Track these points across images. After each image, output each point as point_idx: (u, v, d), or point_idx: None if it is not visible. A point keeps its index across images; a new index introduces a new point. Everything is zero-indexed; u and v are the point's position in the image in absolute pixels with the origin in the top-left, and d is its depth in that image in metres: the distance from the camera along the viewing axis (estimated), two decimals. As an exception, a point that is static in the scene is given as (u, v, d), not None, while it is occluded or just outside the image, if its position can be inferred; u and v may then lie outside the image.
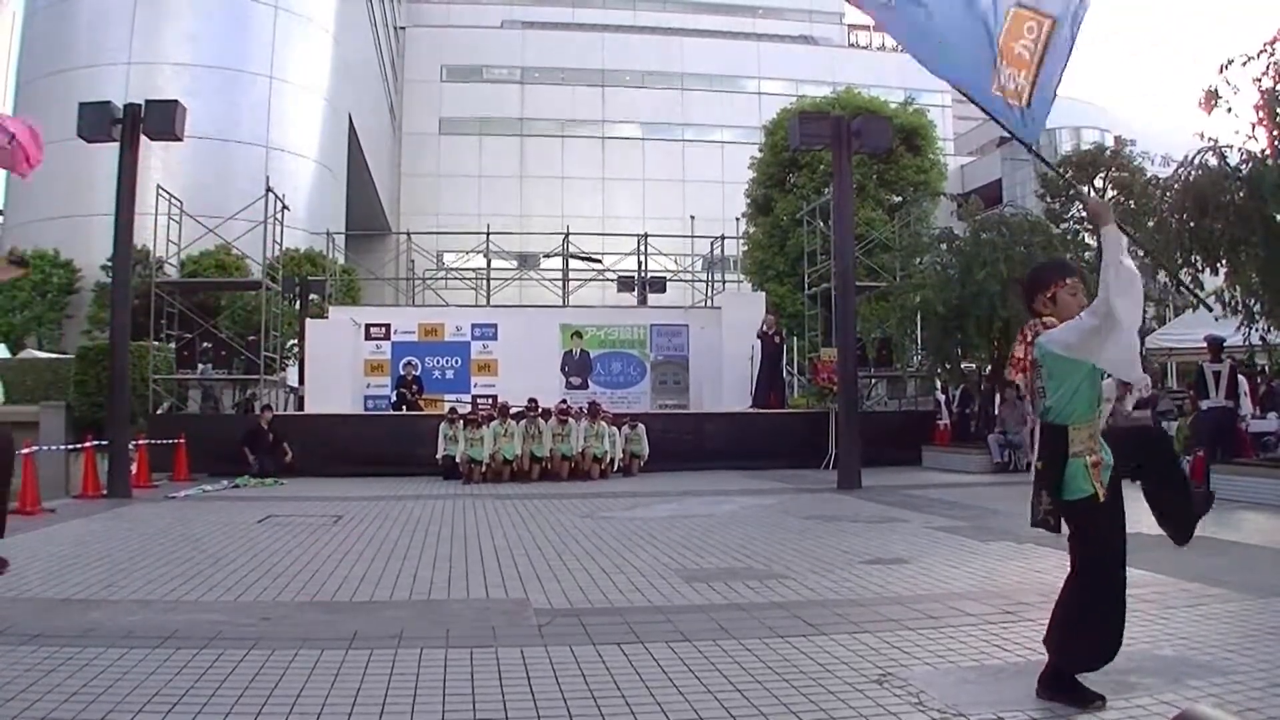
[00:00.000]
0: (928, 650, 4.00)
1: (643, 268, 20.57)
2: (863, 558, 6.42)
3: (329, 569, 6.05)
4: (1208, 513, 3.57)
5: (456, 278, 22.52)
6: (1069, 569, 3.43)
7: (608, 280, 23.02)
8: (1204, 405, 11.17)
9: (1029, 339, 3.61)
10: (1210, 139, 10.46)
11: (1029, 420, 12.31)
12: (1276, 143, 10.06)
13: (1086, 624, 3.35)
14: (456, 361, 17.51)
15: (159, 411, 15.12)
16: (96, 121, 11.47)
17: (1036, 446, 3.52)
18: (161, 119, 11.52)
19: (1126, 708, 3.24)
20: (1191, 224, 10.24)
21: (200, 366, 15.62)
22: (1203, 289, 10.93)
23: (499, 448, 13.19)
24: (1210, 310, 9.18)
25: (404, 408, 16.22)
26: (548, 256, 25.97)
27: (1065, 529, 3.40)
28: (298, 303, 20.40)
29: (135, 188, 11.46)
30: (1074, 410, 3.34)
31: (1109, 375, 3.45)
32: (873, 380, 17.31)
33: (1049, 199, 26.77)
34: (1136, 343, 3.44)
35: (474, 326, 17.66)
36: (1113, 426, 3.56)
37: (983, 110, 3.74)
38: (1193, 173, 10.45)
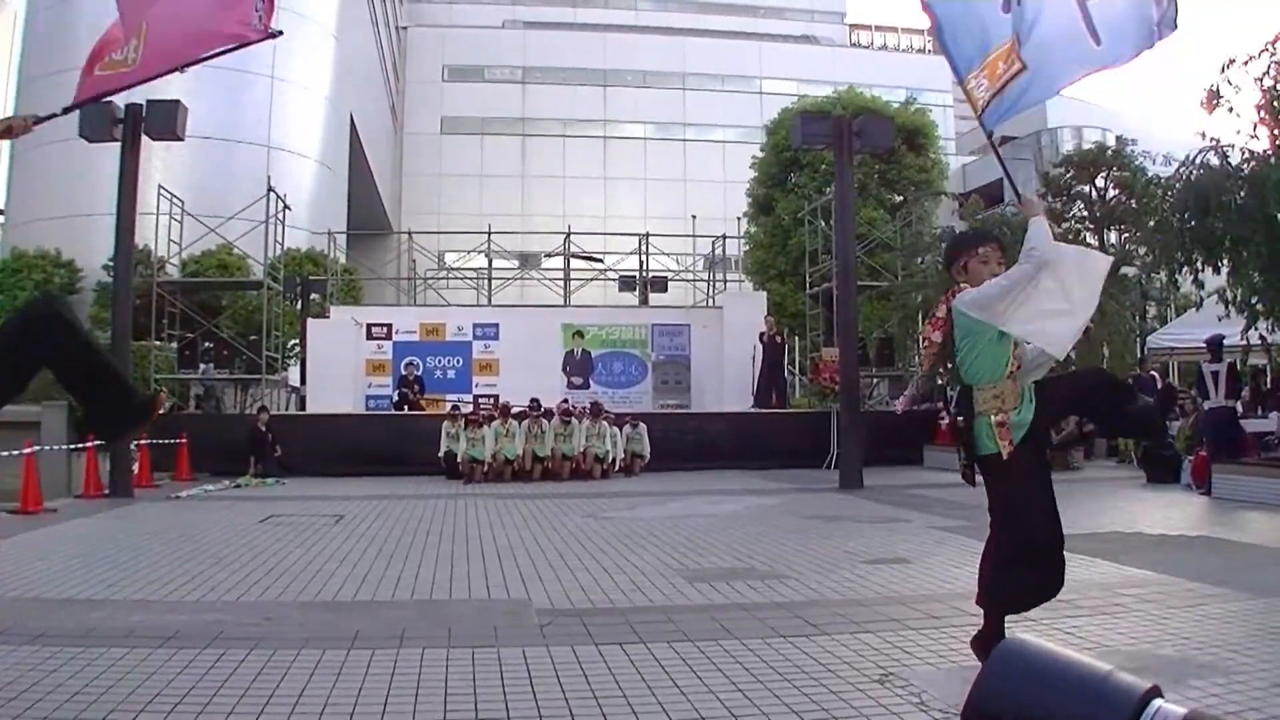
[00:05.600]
0: (930, 650, 4.00)
1: (644, 267, 20.56)
2: (865, 557, 6.42)
3: (331, 569, 6.06)
4: (1160, 413, 3.67)
5: (458, 277, 22.50)
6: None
7: (609, 280, 23.01)
8: (1205, 405, 11.19)
9: (949, 300, 3.80)
10: (1212, 138, 10.45)
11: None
12: (1278, 142, 10.05)
13: (1010, 575, 3.49)
14: (458, 361, 17.52)
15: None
16: (98, 121, 11.46)
17: (953, 405, 3.77)
18: (163, 119, 11.53)
19: (1128, 708, 3.23)
20: (1193, 223, 10.24)
21: (202, 367, 15.62)
22: (1204, 288, 10.97)
23: (500, 448, 13.21)
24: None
25: (405, 407, 16.23)
26: (549, 256, 25.91)
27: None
28: (299, 302, 20.39)
29: (137, 188, 11.47)
30: (979, 371, 3.52)
31: (1029, 343, 3.52)
32: (874, 380, 17.30)
33: (1050, 198, 26.73)
34: (1077, 319, 3.51)
35: (475, 326, 17.66)
36: (1047, 377, 3.67)
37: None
38: (1194, 172, 10.45)
